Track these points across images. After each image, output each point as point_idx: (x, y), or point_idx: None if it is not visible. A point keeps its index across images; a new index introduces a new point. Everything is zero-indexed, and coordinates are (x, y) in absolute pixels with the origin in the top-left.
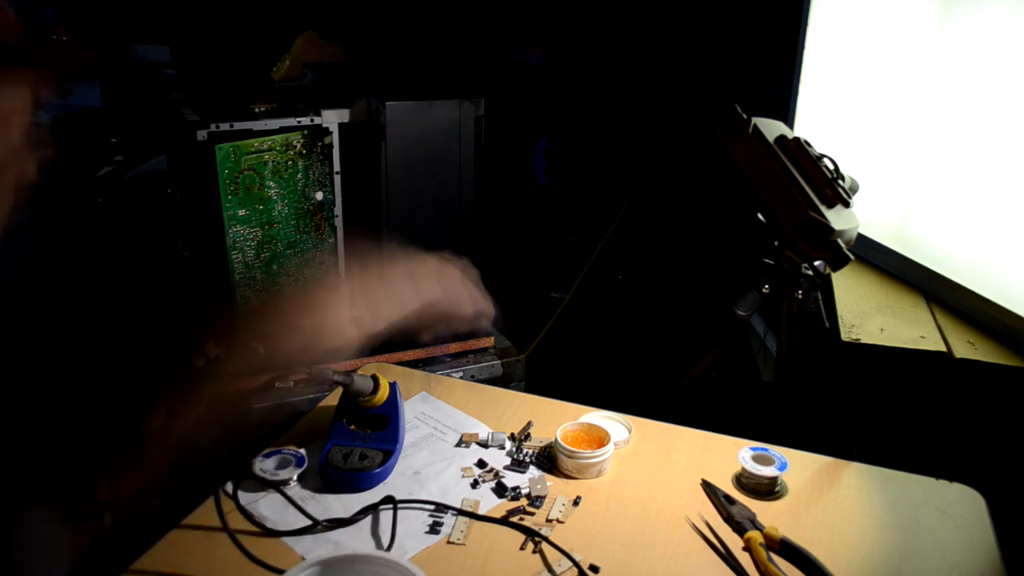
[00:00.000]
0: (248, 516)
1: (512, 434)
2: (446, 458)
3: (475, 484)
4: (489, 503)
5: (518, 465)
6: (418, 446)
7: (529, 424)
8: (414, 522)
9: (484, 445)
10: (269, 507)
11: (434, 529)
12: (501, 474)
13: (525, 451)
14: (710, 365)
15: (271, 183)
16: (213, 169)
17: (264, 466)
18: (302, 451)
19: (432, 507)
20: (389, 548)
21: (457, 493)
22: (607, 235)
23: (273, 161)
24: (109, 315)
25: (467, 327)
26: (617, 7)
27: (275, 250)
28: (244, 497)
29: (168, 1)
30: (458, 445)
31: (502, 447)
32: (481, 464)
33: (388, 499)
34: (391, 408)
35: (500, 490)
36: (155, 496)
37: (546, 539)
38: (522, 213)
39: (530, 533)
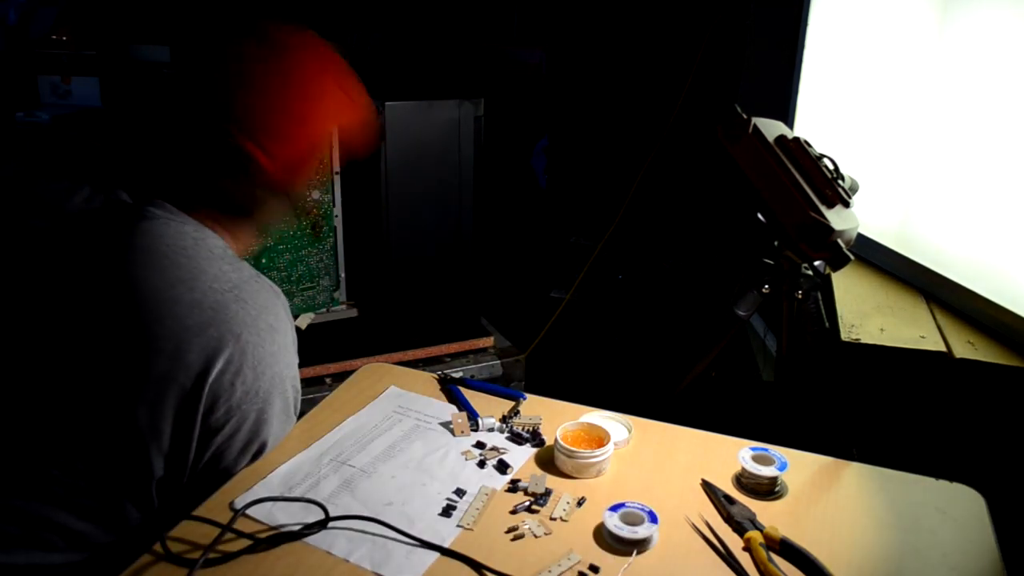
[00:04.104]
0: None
1: (504, 415)
2: (442, 445)
3: (482, 464)
4: (493, 483)
5: (516, 438)
6: (409, 438)
7: (518, 402)
8: (430, 503)
9: (475, 429)
10: (289, 515)
11: (447, 512)
12: (502, 450)
13: (516, 428)
14: (710, 365)
15: None
16: None
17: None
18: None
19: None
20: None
21: (467, 476)
22: (607, 235)
23: None
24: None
25: None
26: (617, 7)
27: (265, 244)
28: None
29: (168, 1)
30: (448, 431)
31: (491, 429)
32: (480, 445)
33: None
34: None
35: (502, 467)
36: None
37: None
38: (522, 213)
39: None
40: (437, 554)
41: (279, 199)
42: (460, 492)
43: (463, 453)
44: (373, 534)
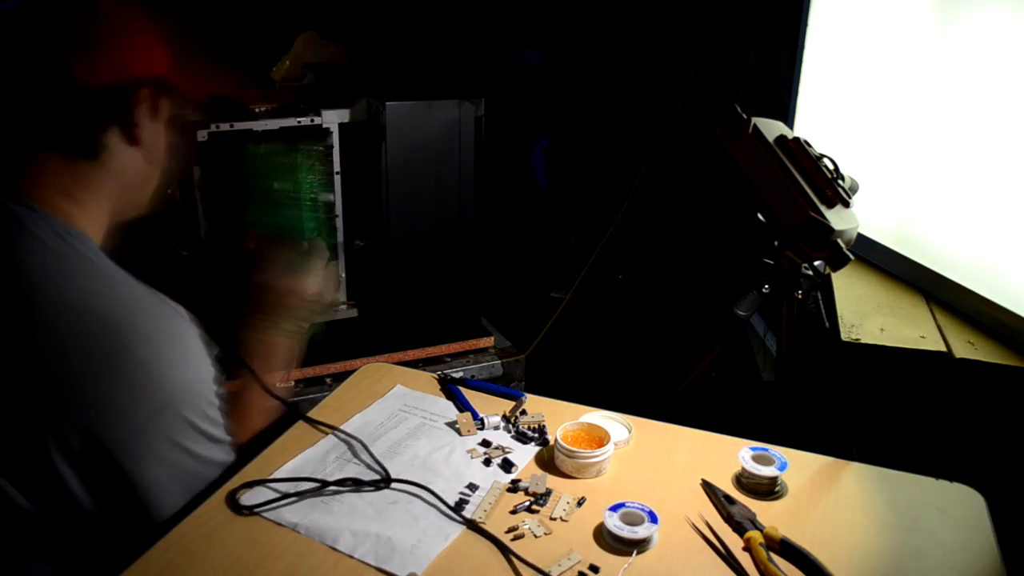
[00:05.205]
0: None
1: (504, 414)
2: (447, 443)
3: (487, 463)
4: (500, 481)
5: (521, 437)
6: (415, 435)
7: (520, 402)
8: (434, 500)
9: (481, 428)
10: (295, 513)
11: (459, 507)
12: (507, 449)
13: (522, 428)
14: (710, 365)
15: (282, 185)
16: (236, 170)
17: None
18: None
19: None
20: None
21: (472, 474)
22: (607, 235)
23: (283, 164)
24: None
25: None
26: (617, 7)
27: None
28: (268, 513)
29: (167, 1)
30: (454, 430)
31: (496, 428)
32: (485, 443)
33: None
34: None
35: (507, 466)
36: None
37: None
38: (522, 213)
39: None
40: (441, 548)
41: (122, 139)
42: (472, 487)
43: (469, 451)
44: (376, 533)
